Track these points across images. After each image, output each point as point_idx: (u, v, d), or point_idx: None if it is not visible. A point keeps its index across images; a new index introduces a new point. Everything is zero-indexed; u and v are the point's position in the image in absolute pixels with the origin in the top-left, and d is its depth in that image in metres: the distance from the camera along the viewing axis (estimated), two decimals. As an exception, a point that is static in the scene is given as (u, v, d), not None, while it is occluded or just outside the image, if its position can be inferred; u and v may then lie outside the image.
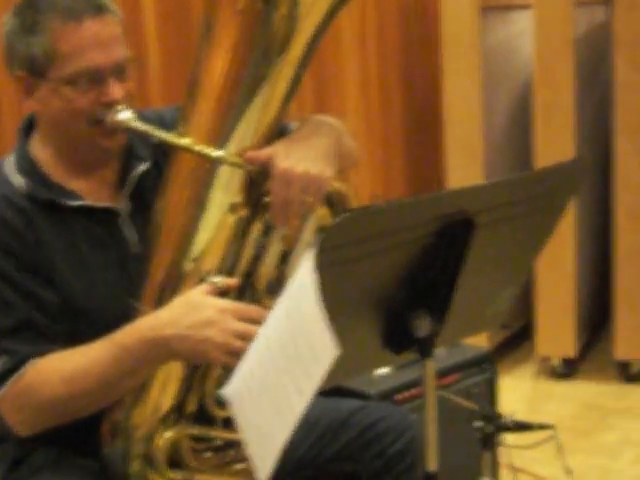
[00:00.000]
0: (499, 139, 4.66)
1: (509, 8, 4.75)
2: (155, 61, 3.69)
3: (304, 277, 1.33)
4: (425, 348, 1.54)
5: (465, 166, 4.50)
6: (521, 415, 4.12)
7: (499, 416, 3.33)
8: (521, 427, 3.27)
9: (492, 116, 4.58)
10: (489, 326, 1.82)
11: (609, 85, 4.34)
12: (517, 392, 4.43)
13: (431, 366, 1.58)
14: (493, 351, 4.61)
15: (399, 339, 1.54)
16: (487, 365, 3.28)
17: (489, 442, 2.80)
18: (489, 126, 4.54)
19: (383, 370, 3.03)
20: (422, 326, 1.53)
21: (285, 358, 1.37)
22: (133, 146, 2.04)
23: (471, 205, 1.49)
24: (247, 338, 1.68)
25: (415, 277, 1.49)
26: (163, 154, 1.99)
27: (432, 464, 1.68)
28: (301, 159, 1.83)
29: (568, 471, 3.20)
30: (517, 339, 4.91)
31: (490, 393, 3.31)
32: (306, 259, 1.34)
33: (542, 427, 3.27)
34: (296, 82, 1.88)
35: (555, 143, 4.32)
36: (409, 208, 1.44)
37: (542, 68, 4.32)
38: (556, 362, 4.56)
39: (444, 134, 4.57)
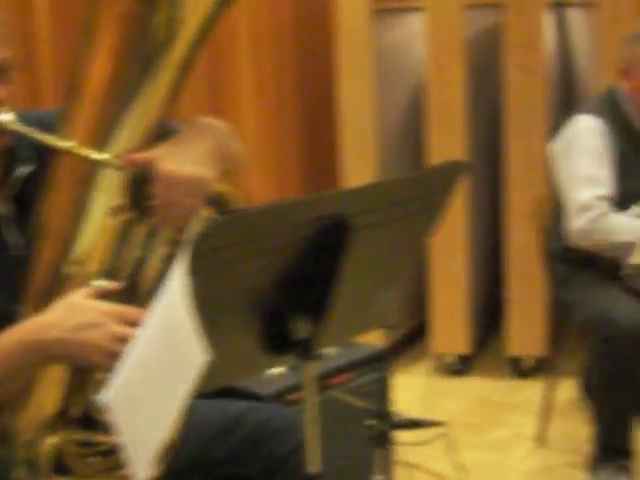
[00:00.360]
0: (393, 140, 4.71)
1: (402, 10, 4.80)
2: (47, 64, 3.65)
3: (175, 281, 1.33)
4: (305, 351, 1.55)
5: (360, 167, 4.54)
6: (416, 412, 4.21)
7: (391, 414, 3.37)
8: (413, 424, 3.31)
9: (386, 117, 4.62)
10: (373, 326, 1.84)
11: (500, 86, 4.41)
12: (413, 389, 4.49)
13: (311, 369, 1.59)
14: (389, 349, 4.66)
15: (279, 342, 1.55)
16: (380, 363, 3.32)
17: (381, 440, 2.82)
18: (383, 127, 4.59)
19: (276, 370, 3.04)
20: (301, 329, 1.54)
21: (159, 361, 1.37)
22: (17, 148, 2.02)
23: (347, 208, 1.50)
24: (129, 341, 1.68)
25: (293, 280, 1.50)
26: (49, 156, 1.97)
27: (314, 466, 1.69)
28: (184, 161, 1.83)
29: (459, 467, 3.26)
30: (413, 337, 4.97)
31: (383, 391, 3.34)
32: (179, 262, 1.34)
33: (433, 424, 3.31)
34: (178, 85, 1.87)
35: (447, 143, 4.38)
36: (284, 211, 1.44)
37: (434, 69, 4.38)
38: (450, 359, 4.63)
39: (339, 136, 4.60)
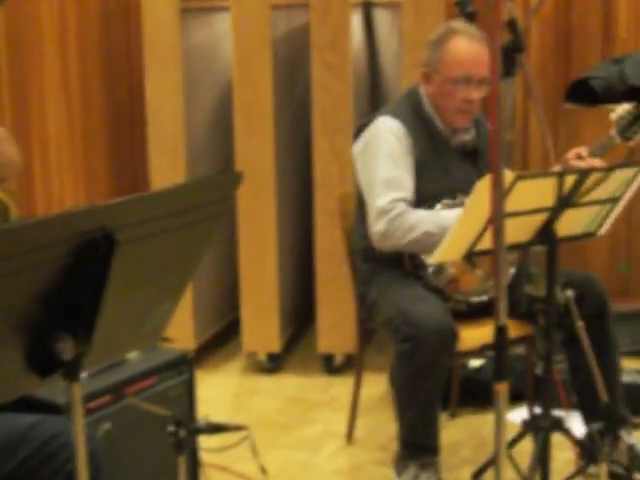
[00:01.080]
0: (202, 140, 4.69)
1: (210, 10, 4.78)
2: None
3: None
4: (70, 372, 1.51)
5: (168, 167, 4.50)
6: (228, 411, 4.22)
7: (193, 419, 3.36)
8: (215, 429, 3.30)
9: (195, 117, 4.60)
10: (149, 341, 1.81)
11: (307, 86, 4.43)
12: (225, 388, 4.48)
13: (78, 390, 1.55)
14: (194, 351, 4.66)
15: (44, 363, 1.50)
16: (184, 367, 3.28)
17: (183, 446, 2.80)
18: (192, 127, 4.56)
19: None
20: (66, 349, 1.49)
21: None
22: None
23: (111, 221, 1.47)
24: None
25: (56, 298, 1.46)
26: None
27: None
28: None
29: (263, 470, 3.26)
30: (225, 335, 4.96)
31: (189, 395, 3.31)
32: None
33: (237, 428, 3.31)
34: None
35: (255, 143, 4.39)
36: (43, 226, 1.40)
37: (241, 69, 4.37)
38: (262, 357, 4.63)
39: (147, 136, 4.55)
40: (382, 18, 5.00)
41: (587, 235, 3.31)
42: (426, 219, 3.34)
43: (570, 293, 3.19)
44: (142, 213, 1.53)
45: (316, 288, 4.53)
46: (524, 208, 2.99)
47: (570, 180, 3.01)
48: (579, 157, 3.59)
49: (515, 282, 3.52)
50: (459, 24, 3.50)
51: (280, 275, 4.54)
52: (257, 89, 4.36)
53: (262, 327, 4.56)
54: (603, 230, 3.29)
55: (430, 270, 3.44)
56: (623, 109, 3.67)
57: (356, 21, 4.82)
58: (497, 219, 2.20)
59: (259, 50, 4.33)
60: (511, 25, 3.78)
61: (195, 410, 3.34)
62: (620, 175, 3.14)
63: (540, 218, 3.06)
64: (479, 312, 3.55)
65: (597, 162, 3.57)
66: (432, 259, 3.01)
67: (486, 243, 3.02)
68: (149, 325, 1.71)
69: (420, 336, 3.18)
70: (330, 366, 4.61)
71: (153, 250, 1.60)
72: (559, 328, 3.45)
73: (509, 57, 3.70)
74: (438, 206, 3.45)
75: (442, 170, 3.52)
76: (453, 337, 3.27)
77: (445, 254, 2.97)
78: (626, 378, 4.00)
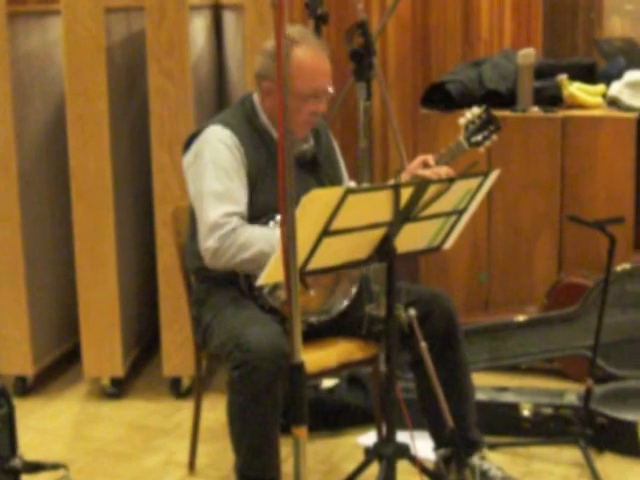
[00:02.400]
0: (35, 151, 4.40)
1: (44, 14, 4.49)
2: None
3: None
4: None
5: (0, 180, 4.22)
6: (66, 442, 3.95)
7: (7, 458, 3.10)
8: (31, 468, 3.07)
9: (27, 127, 4.31)
10: None
11: (146, 94, 4.19)
12: (65, 417, 4.22)
13: None
14: (40, 375, 4.41)
15: None
16: (1, 400, 3.03)
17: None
18: (23, 137, 4.27)
19: None
20: None
21: None
22: None
23: None
24: None
25: None
26: None
27: None
28: None
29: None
30: (66, 360, 4.68)
31: (8, 430, 3.05)
32: None
33: (54, 467, 3.08)
34: None
35: (90, 153, 4.14)
36: None
37: (73, 78, 4.10)
38: (105, 382, 4.38)
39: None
40: (228, 21, 4.80)
41: (431, 250, 3.15)
42: (260, 237, 3.14)
43: (413, 312, 3.04)
44: None
45: (160, 308, 4.28)
46: (359, 224, 2.82)
47: (407, 193, 2.84)
48: (426, 165, 3.42)
49: (357, 301, 3.35)
50: (297, 31, 3.30)
51: (121, 295, 4.28)
52: (91, 99, 4.09)
53: (104, 351, 4.29)
54: (448, 244, 3.14)
55: (266, 290, 3.23)
56: (472, 113, 3.53)
57: (201, 24, 4.60)
58: (289, 243, 2.00)
59: (93, 57, 4.06)
60: (361, 27, 3.61)
61: (16, 446, 3.08)
62: (463, 186, 2.98)
63: (378, 233, 2.89)
64: (326, 331, 3.37)
65: (443, 170, 3.41)
66: (259, 281, 2.80)
67: (318, 261, 2.84)
68: None
69: (252, 362, 2.98)
70: (177, 390, 4.37)
71: None
72: (403, 349, 3.29)
73: (360, 61, 3.55)
74: (273, 222, 3.25)
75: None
76: (289, 362, 3.07)
77: (272, 275, 2.76)
78: (483, 396, 3.87)
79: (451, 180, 2.90)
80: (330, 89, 3.33)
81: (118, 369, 4.33)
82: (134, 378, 4.57)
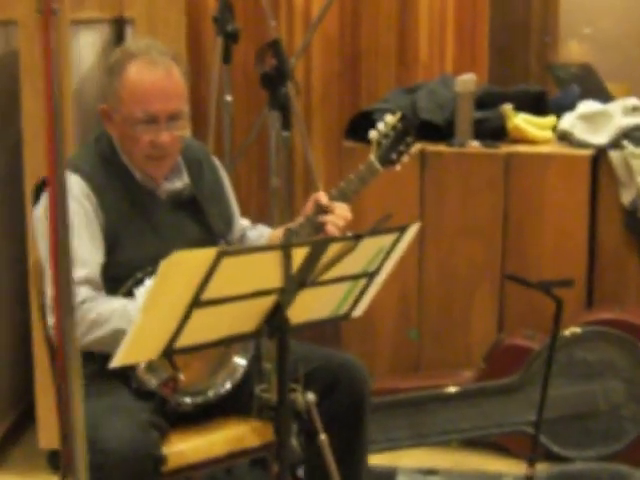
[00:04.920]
0: None
1: None
2: None
3: None
4: None
5: None
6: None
7: None
8: None
9: None
10: None
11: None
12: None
13: None
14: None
15: None
16: None
17: None
18: None
19: None
20: None
21: None
22: None
23: None
24: None
25: None
26: None
27: None
28: None
29: None
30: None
31: None
32: None
33: None
34: None
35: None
36: None
37: None
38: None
39: None
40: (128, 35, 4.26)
41: (337, 319, 2.58)
42: (117, 312, 2.59)
43: (312, 397, 2.49)
44: None
45: (35, 374, 3.70)
46: (241, 292, 2.24)
47: (301, 254, 2.27)
48: (322, 209, 2.85)
49: (247, 379, 2.77)
50: (140, 43, 2.78)
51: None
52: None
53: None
54: (359, 311, 2.56)
55: (141, 368, 2.65)
56: (386, 124, 2.98)
57: (91, 40, 4.05)
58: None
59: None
60: (274, 47, 3.08)
61: None
62: (374, 244, 2.41)
63: (267, 302, 2.31)
64: (213, 409, 2.80)
65: (340, 209, 2.85)
66: (113, 362, 2.20)
67: (190, 337, 2.26)
68: None
69: (109, 465, 2.40)
70: (56, 464, 3.79)
71: None
72: (299, 434, 2.79)
73: (273, 86, 3.01)
74: (147, 282, 2.67)
75: (149, 231, 2.77)
76: (156, 461, 2.50)
77: (129, 355, 2.19)
78: (406, 482, 3.32)
79: (357, 237, 2.33)
80: (179, 113, 2.74)
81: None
82: (8, 451, 3.98)
